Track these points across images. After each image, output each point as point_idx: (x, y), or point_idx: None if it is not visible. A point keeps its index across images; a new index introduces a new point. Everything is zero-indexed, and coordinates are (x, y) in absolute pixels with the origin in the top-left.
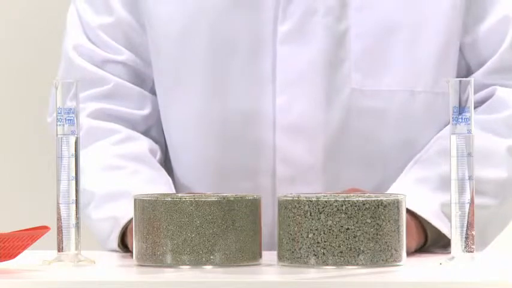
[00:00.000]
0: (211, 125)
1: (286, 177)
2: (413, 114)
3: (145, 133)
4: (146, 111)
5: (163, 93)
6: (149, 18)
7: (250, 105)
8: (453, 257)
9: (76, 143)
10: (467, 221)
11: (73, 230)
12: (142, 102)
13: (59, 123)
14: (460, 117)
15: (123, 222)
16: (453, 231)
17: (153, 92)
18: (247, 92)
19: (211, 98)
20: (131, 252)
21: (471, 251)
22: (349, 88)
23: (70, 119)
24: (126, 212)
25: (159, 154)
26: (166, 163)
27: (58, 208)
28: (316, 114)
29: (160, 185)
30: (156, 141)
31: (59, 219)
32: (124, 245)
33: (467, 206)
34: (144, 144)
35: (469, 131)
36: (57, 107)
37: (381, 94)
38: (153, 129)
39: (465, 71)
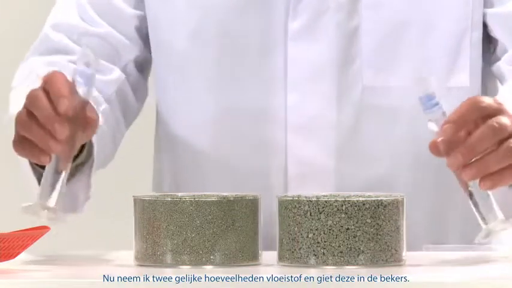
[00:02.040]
0: (222, 124)
1: (298, 176)
2: None
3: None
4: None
5: (170, 93)
6: (156, 16)
7: (261, 103)
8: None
9: None
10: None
11: (59, 185)
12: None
13: None
14: (430, 103)
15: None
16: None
17: (125, 73)
18: (258, 91)
19: (221, 97)
20: None
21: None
22: (360, 85)
23: None
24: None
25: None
26: (170, 167)
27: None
28: (327, 112)
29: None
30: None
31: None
32: None
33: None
34: None
35: (444, 114)
36: None
37: (392, 91)
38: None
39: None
